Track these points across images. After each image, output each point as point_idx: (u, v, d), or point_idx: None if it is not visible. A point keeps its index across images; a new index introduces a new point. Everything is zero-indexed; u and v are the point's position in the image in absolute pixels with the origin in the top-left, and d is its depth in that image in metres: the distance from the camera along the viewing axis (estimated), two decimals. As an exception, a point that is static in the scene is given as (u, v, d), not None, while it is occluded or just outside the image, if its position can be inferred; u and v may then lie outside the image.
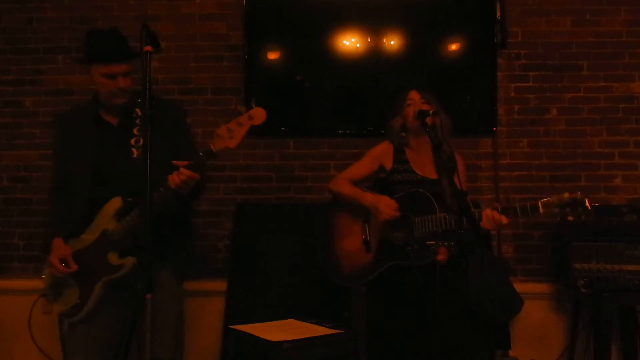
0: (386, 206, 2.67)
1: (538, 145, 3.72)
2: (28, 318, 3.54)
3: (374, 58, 3.70)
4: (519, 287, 3.32)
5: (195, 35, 3.82)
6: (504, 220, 2.47)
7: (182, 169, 2.29)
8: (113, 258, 2.46)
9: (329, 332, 2.64)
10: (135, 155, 2.52)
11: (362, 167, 2.91)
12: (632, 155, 3.69)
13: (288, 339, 2.49)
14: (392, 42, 3.71)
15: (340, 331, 2.66)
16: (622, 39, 3.72)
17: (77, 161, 2.56)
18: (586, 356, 3.39)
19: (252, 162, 3.77)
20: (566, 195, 2.41)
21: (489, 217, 2.48)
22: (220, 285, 3.61)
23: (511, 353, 3.42)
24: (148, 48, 2.02)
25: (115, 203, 2.47)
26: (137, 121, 2.55)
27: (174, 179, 2.29)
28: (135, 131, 2.54)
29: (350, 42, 3.73)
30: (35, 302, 3.44)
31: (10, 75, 3.85)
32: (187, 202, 2.61)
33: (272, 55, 3.78)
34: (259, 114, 2.27)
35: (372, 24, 3.70)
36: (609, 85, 3.71)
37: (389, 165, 2.84)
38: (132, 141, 2.53)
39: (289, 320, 2.90)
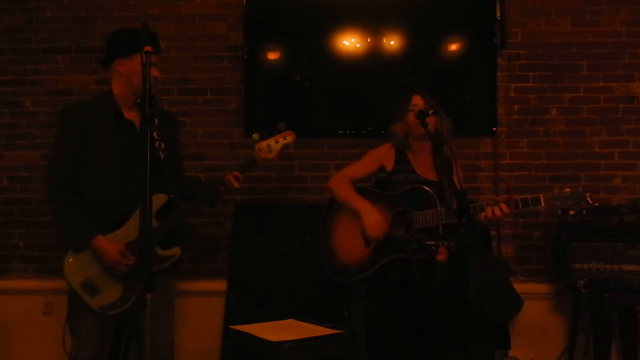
0: (374, 226, 2.69)
1: (538, 145, 3.72)
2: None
3: (374, 58, 3.69)
4: (519, 287, 3.30)
5: (195, 35, 3.82)
6: (505, 209, 2.51)
7: (237, 174, 2.72)
8: (159, 250, 2.62)
9: (329, 332, 2.64)
10: (162, 158, 2.67)
11: (363, 167, 2.91)
12: (632, 155, 3.69)
13: (288, 339, 2.49)
14: (392, 42, 3.71)
15: (340, 331, 2.66)
16: (621, 39, 3.72)
17: (96, 153, 2.58)
18: (586, 356, 3.39)
19: (252, 162, 3.77)
20: (567, 190, 2.46)
21: (489, 215, 2.51)
22: (220, 285, 3.61)
23: (511, 353, 3.42)
24: (148, 48, 2.04)
25: (160, 199, 2.60)
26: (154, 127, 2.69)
27: (234, 181, 2.70)
28: (155, 135, 2.67)
29: (350, 42, 3.73)
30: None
31: (10, 75, 3.84)
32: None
33: (272, 55, 3.78)
34: (291, 135, 2.82)
35: (372, 24, 3.70)
36: (609, 85, 3.71)
37: (390, 166, 2.84)
38: (157, 144, 2.67)
39: (289, 320, 2.89)
